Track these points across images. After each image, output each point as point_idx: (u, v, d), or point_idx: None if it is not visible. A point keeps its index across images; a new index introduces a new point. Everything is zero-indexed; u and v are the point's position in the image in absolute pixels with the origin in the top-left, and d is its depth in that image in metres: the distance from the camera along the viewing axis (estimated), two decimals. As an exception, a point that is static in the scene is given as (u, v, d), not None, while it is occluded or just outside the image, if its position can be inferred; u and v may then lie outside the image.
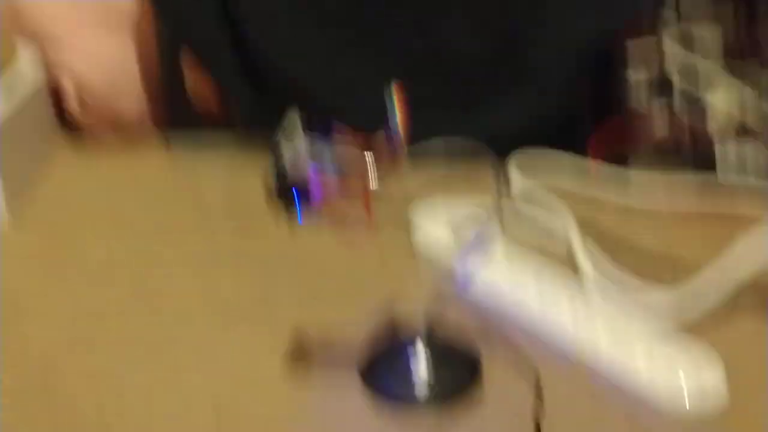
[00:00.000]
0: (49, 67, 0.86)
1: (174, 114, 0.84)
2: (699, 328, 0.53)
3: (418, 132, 0.76)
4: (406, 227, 0.67)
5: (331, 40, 0.79)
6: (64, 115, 0.91)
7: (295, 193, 0.41)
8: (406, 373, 0.47)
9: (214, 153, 0.85)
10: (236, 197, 0.75)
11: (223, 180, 0.79)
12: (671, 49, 0.93)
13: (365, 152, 0.41)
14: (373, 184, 0.40)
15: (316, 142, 0.40)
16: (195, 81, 0.83)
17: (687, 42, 0.92)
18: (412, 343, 0.49)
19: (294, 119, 0.40)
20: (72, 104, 0.87)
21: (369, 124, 0.76)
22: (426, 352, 0.48)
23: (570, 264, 0.60)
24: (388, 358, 0.49)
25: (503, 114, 0.78)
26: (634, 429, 0.44)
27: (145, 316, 0.56)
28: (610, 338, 0.48)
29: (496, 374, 0.48)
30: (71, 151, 0.89)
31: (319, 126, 0.41)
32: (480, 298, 0.55)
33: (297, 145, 0.40)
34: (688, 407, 0.44)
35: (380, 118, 0.76)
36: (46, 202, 0.75)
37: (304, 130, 0.41)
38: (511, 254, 0.56)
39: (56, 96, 0.88)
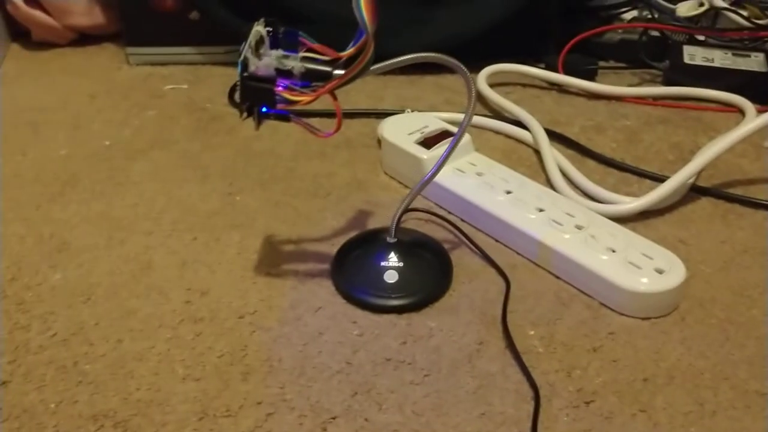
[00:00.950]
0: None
1: (129, 19, 0.81)
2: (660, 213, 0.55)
3: (384, 30, 0.76)
4: (375, 142, 0.66)
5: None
6: (14, 22, 0.87)
7: (262, 106, 0.40)
8: (377, 272, 0.48)
9: (173, 62, 0.83)
10: (198, 106, 0.73)
11: (185, 89, 0.77)
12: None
13: (333, 62, 0.39)
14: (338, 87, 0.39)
15: (282, 54, 0.39)
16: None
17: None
18: (383, 244, 0.49)
19: (258, 32, 0.39)
20: (18, 10, 0.84)
21: (333, 27, 0.76)
22: (396, 252, 0.49)
23: (539, 173, 0.61)
24: (359, 258, 0.50)
25: (468, 16, 0.77)
26: (597, 321, 0.45)
27: (114, 227, 0.55)
28: (574, 237, 0.48)
29: (464, 275, 0.49)
30: (21, 55, 0.86)
31: (285, 37, 0.39)
32: (451, 206, 0.56)
33: (263, 58, 0.38)
34: (645, 290, 0.45)
35: (343, 22, 0.76)
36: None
37: (270, 41, 0.39)
38: (480, 164, 0.56)
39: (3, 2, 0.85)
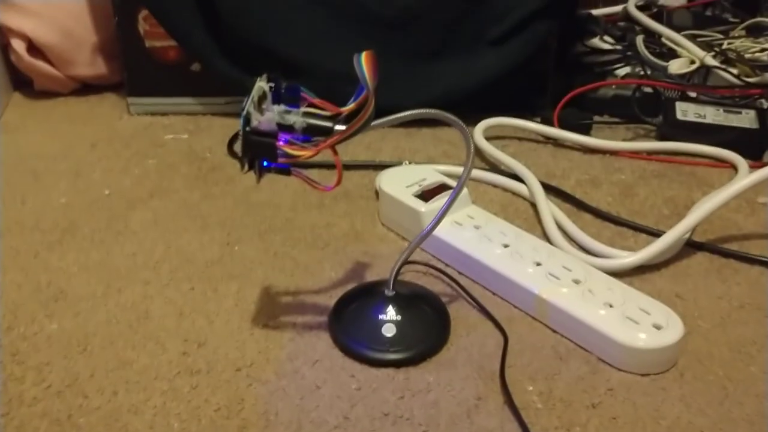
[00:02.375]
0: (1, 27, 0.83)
1: (132, 70, 0.82)
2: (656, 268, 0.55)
3: (382, 84, 0.78)
4: (373, 194, 0.67)
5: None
6: (17, 71, 0.88)
7: (263, 161, 0.41)
8: (375, 325, 0.48)
9: (173, 112, 0.84)
10: (198, 156, 0.74)
11: (185, 139, 0.78)
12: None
13: (333, 117, 0.40)
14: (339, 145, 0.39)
15: (284, 110, 0.39)
16: (153, 36, 0.81)
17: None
18: (382, 297, 0.49)
19: (260, 87, 0.39)
20: (21, 60, 0.85)
21: (332, 81, 0.78)
22: (395, 306, 0.48)
23: (536, 226, 0.61)
24: (357, 310, 0.49)
25: (465, 72, 0.79)
26: (595, 376, 0.45)
27: (113, 276, 0.55)
28: (571, 291, 0.49)
29: (462, 328, 0.49)
30: (23, 103, 0.87)
31: (287, 92, 0.40)
32: (449, 258, 0.56)
33: (266, 113, 0.39)
34: (643, 345, 0.45)
35: (342, 76, 0.77)
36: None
37: (272, 96, 0.40)
38: (477, 216, 0.57)
39: (6, 52, 0.86)
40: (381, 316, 0.48)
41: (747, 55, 0.88)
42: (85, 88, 0.90)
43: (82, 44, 0.87)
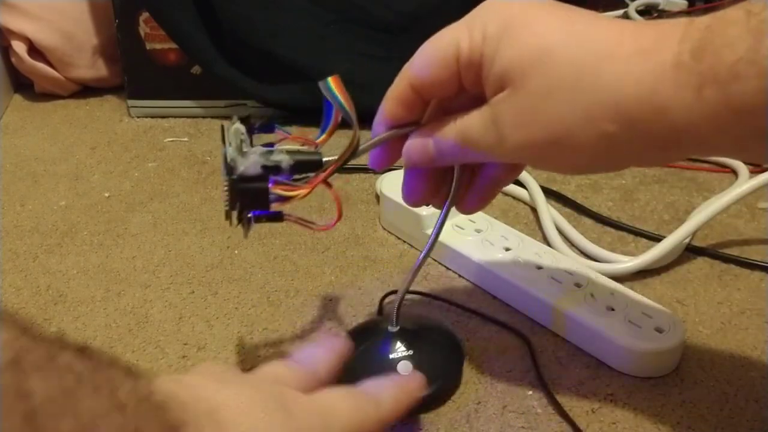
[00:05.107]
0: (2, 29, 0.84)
1: (132, 72, 0.82)
2: (656, 273, 0.55)
3: (387, 87, 0.78)
4: (374, 198, 0.67)
5: None
6: (17, 73, 0.88)
7: (254, 210, 0.36)
8: (389, 366, 0.43)
9: (173, 115, 0.84)
10: (199, 159, 0.74)
11: (185, 142, 0.78)
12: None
13: (316, 149, 0.36)
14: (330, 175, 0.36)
15: (265, 150, 0.35)
16: (153, 39, 0.81)
17: None
18: (387, 334, 0.45)
19: (237, 130, 0.35)
20: (21, 63, 0.85)
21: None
22: (403, 342, 0.44)
23: (536, 231, 0.61)
24: (365, 354, 0.44)
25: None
26: (596, 381, 0.45)
27: (112, 280, 0.55)
28: (573, 295, 0.49)
29: (478, 348, 0.49)
30: (23, 106, 0.87)
31: (261, 130, 0.36)
32: (450, 262, 0.56)
33: (249, 157, 0.34)
34: (645, 348, 0.45)
35: (343, 80, 0.78)
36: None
37: (250, 137, 0.35)
38: (479, 221, 0.57)
39: (7, 54, 0.86)
40: (392, 355, 0.44)
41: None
42: (86, 90, 0.91)
43: (83, 47, 0.87)
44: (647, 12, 1.01)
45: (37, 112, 0.86)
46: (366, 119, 0.90)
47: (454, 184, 0.41)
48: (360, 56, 0.79)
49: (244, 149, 0.35)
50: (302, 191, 0.36)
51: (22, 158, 0.74)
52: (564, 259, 0.53)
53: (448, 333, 0.48)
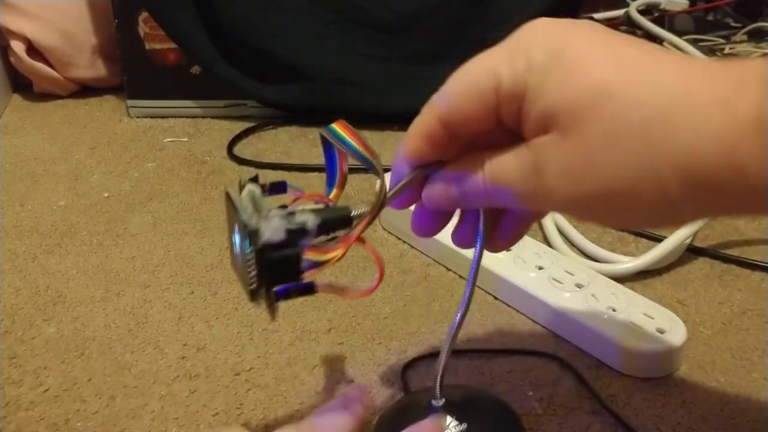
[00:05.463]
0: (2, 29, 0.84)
1: (131, 72, 0.82)
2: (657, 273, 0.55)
3: (382, 88, 0.78)
4: (373, 197, 0.66)
5: None
6: (16, 73, 0.88)
7: (284, 283, 0.32)
8: None
9: (173, 115, 0.84)
10: (198, 159, 0.74)
11: (185, 142, 0.78)
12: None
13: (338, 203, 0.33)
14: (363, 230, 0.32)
15: (287, 212, 0.31)
16: (153, 39, 0.81)
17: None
18: (432, 410, 0.39)
19: (251, 191, 0.32)
20: (20, 62, 0.85)
21: (332, 85, 0.78)
22: (453, 414, 0.39)
23: (536, 231, 0.61)
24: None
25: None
26: (597, 382, 0.45)
27: (111, 280, 0.55)
28: (574, 296, 0.48)
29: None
30: (22, 106, 0.87)
31: (273, 191, 0.33)
32: (451, 263, 0.56)
33: (271, 221, 0.30)
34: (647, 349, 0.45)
35: (342, 80, 0.78)
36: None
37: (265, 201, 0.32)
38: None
39: (6, 54, 0.86)
40: None
41: (748, 60, 0.88)
42: (85, 90, 0.90)
43: (82, 46, 0.87)
44: (648, 12, 1.01)
45: (37, 112, 0.86)
46: (366, 120, 0.91)
47: (481, 226, 0.36)
48: (360, 56, 0.79)
49: (263, 213, 0.31)
50: (337, 252, 0.31)
51: (22, 158, 0.74)
52: (565, 260, 0.53)
53: (498, 400, 0.43)
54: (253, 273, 0.30)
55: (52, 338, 0.48)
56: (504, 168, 0.30)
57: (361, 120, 0.81)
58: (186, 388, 0.44)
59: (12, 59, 0.86)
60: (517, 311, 0.51)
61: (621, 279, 0.53)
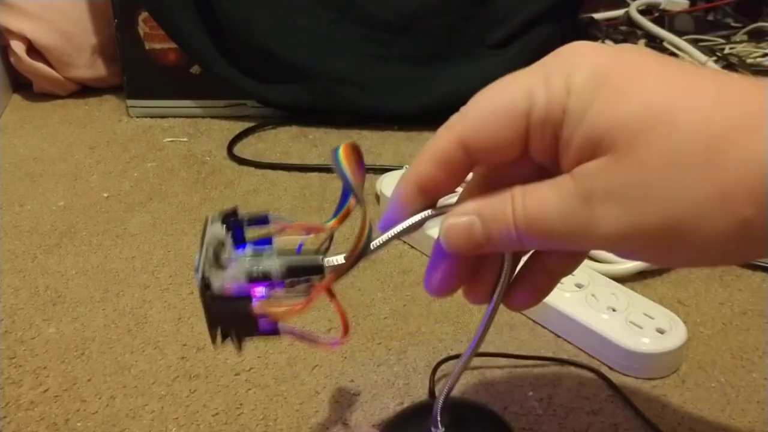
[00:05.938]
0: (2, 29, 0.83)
1: (131, 72, 0.82)
2: (657, 273, 0.55)
3: (383, 89, 0.79)
4: (374, 198, 0.66)
5: None
6: (16, 73, 0.88)
7: (241, 332, 0.30)
8: None
9: (173, 115, 0.84)
10: (198, 159, 0.74)
11: (184, 142, 0.78)
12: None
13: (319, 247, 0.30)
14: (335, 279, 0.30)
15: (252, 253, 0.29)
16: (152, 39, 0.81)
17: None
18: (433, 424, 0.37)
19: (215, 237, 0.29)
20: (20, 62, 0.85)
21: (332, 85, 0.78)
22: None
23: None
24: None
25: (466, 76, 0.79)
26: (597, 382, 0.45)
27: (111, 280, 0.55)
28: (574, 296, 0.48)
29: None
30: (22, 106, 0.87)
31: (251, 226, 0.31)
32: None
33: (230, 267, 0.28)
34: (647, 349, 0.45)
35: (342, 80, 0.78)
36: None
37: (235, 239, 0.30)
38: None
39: (6, 54, 0.86)
40: None
41: (749, 60, 0.88)
42: (85, 90, 0.90)
43: (82, 46, 0.87)
44: (648, 12, 1.01)
45: (36, 112, 0.86)
46: (366, 120, 0.90)
47: (503, 277, 0.32)
48: (360, 56, 0.79)
49: (225, 255, 0.29)
50: (297, 307, 0.29)
51: (21, 158, 0.74)
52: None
53: (498, 418, 0.41)
54: (210, 322, 0.30)
55: (51, 338, 0.48)
56: (542, 201, 0.26)
57: (361, 120, 0.81)
58: (186, 388, 0.44)
59: (12, 59, 0.86)
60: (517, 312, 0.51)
61: (621, 279, 0.53)
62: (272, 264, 0.29)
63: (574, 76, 0.26)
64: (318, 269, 0.30)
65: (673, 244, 0.25)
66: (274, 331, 0.30)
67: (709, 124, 0.24)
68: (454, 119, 0.28)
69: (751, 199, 0.24)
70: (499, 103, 0.27)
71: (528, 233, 0.27)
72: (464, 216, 0.28)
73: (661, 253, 0.26)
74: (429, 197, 0.30)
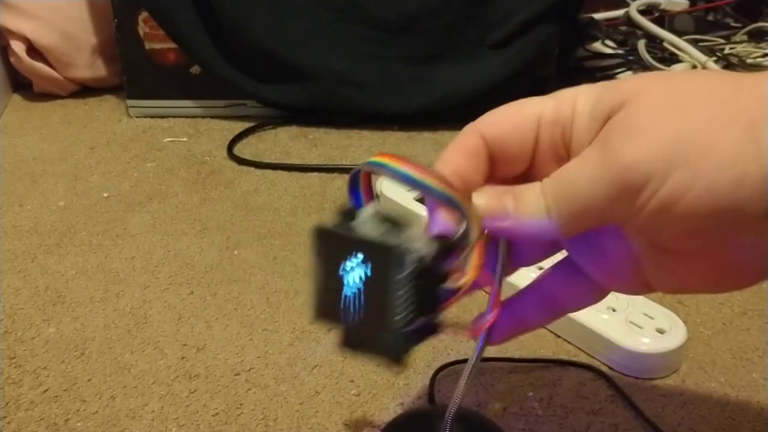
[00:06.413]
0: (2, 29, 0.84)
1: (131, 72, 0.82)
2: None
3: (383, 88, 0.79)
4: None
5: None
6: (16, 73, 0.88)
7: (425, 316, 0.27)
8: None
9: (173, 115, 0.84)
10: (198, 159, 0.74)
11: (184, 142, 0.78)
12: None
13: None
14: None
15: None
16: (152, 39, 0.81)
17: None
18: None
19: (376, 212, 0.27)
20: (20, 62, 0.85)
21: (332, 85, 0.78)
22: None
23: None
24: None
25: (466, 76, 0.79)
26: (597, 382, 0.45)
27: (111, 281, 0.55)
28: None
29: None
30: (22, 106, 0.87)
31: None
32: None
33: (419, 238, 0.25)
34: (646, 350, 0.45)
35: (342, 80, 0.78)
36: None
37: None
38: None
39: (6, 54, 0.86)
40: None
41: (749, 61, 0.88)
42: (85, 90, 0.90)
43: (82, 46, 0.87)
44: (648, 12, 1.01)
45: (36, 112, 0.86)
46: (366, 120, 0.90)
47: (499, 264, 0.32)
48: (360, 56, 0.79)
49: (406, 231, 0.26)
50: (469, 275, 0.27)
51: (21, 158, 0.74)
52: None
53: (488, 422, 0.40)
54: (401, 311, 0.25)
55: (51, 338, 0.48)
56: (574, 175, 0.27)
57: (361, 120, 0.81)
58: (186, 388, 0.44)
59: (12, 59, 0.86)
60: (517, 311, 0.51)
61: (621, 279, 0.53)
62: (420, 243, 0.26)
63: (580, 94, 0.29)
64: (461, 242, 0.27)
65: (687, 165, 0.24)
66: (438, 325, 0.28)
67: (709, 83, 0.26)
68: (471, 124, 0.31)
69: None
70: (515, 107, 0.31)
71: (563, 217, 0.27)
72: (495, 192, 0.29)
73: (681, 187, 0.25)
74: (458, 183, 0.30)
